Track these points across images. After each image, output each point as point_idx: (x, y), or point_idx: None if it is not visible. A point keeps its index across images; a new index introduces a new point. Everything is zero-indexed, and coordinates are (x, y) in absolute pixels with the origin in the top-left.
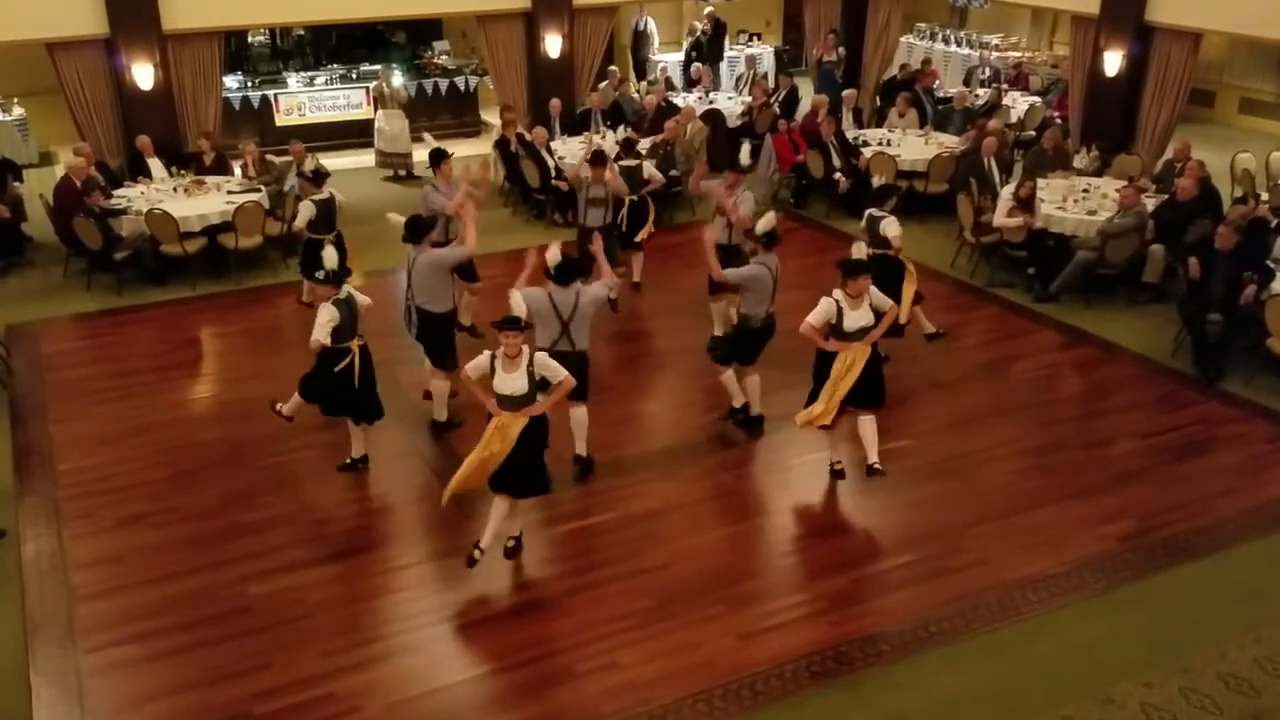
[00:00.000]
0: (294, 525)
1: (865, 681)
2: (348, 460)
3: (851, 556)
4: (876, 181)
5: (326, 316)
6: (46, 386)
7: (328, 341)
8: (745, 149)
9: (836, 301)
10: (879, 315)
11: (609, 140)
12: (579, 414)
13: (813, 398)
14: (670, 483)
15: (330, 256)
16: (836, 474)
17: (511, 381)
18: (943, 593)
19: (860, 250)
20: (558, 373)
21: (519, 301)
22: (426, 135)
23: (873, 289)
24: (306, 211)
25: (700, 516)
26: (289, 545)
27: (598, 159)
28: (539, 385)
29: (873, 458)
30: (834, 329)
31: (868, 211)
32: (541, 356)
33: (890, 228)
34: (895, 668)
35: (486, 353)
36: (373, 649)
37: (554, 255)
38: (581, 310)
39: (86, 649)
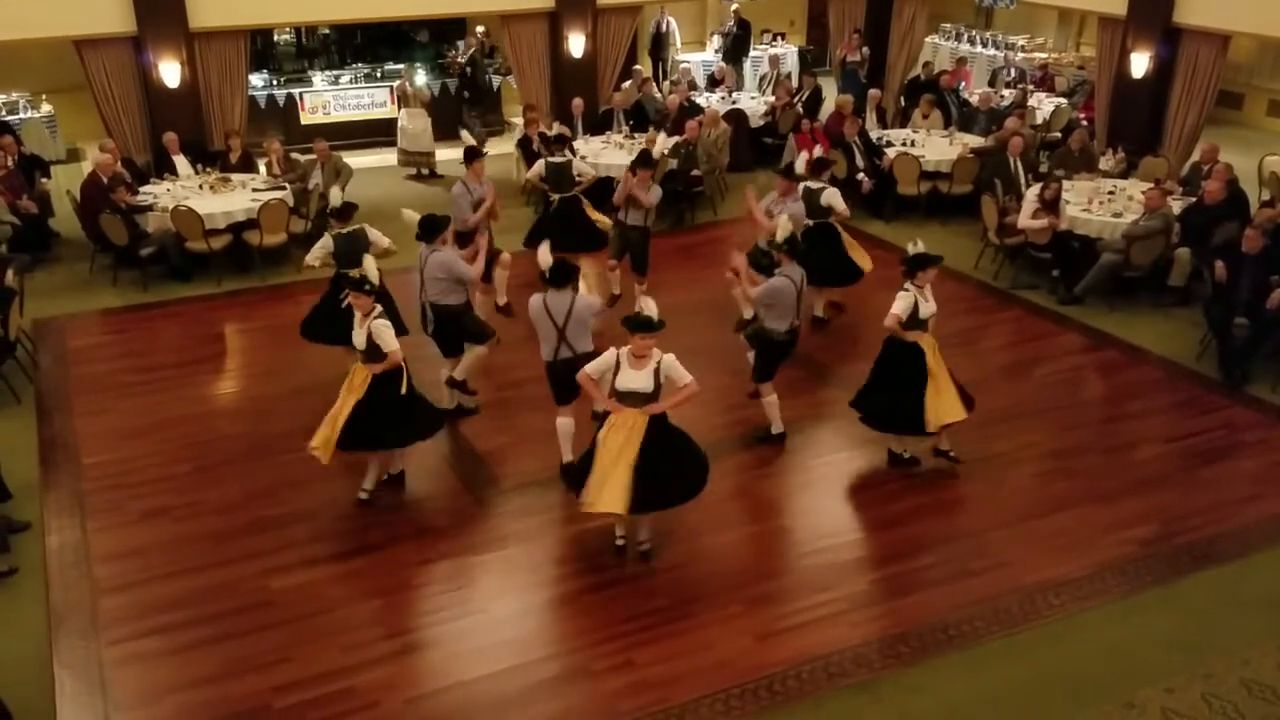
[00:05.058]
0: (315, 520)
1: (883, 683)
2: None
3: (871, 558)
4: (816, 152)
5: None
6: (72, 381)
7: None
8: (802, 157)
9: (915, 293)
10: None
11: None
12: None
13: (871, 390)
14: None
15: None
16: (943, 455)
17: (636, 378)
18: (963, 595)
19: (919, 245)
20: (683, 376)
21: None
22: (464, 133)
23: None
24: (324, 246)
25: (718, 516)
26: (310, 540)
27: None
28: (660, 388)
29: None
30: (910, 319)
31: (803, 185)
32: (669, 359)
33: (833, 198)
34: (914, 670)
35: (613, 350)
36: (392, 644)
37: (545, 258)
38: (576, 315)
39: (109, 641)
